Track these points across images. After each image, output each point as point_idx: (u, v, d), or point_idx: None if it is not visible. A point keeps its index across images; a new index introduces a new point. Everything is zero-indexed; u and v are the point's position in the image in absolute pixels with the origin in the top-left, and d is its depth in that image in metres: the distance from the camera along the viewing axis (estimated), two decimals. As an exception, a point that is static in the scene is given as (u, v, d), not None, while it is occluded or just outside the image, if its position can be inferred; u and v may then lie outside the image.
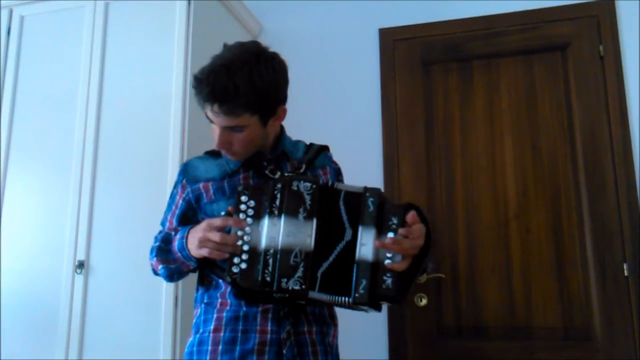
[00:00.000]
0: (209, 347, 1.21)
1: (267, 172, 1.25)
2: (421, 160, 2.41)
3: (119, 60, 2.22)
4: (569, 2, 2.37)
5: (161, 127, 2.08)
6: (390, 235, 1.13)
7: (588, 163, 2.24)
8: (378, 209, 1.16)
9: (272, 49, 1.27)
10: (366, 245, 1.14)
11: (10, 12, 2.41)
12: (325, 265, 1.14)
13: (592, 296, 2.16)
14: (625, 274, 2.13)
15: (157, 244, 1.31)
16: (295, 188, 1.16)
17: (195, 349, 1.24)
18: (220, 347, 1.20)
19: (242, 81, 1.14)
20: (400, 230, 1.13)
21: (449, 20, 2.49)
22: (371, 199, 1.16)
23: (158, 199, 2.02)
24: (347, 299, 1.13)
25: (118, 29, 2.25)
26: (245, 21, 2.60)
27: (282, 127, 1.38)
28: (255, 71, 1.16)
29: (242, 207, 1.16)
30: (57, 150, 2.21)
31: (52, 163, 2.21)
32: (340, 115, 2.54)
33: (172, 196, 1.37)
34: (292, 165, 1.31)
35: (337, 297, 1.14)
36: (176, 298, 1.94)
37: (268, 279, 1.11)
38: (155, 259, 1.31)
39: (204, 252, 1.16)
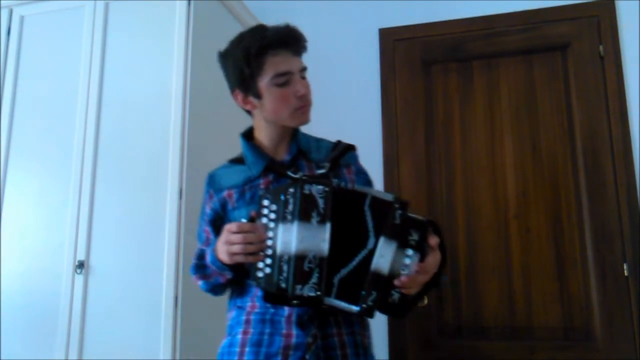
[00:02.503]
0: (237, 349, 1.23)
1: (289, 172, 1.23)
2: (421, 160, 2.41)
3: (119, 60, 2.22)
4: (569, 2, 2.37)
5: (161, 127, 2.08)
6: (409, 251, 1.12)
7: (588, 163, 2.24)
8: (403, 222, 1.13)
9: None
10: (384, 257, 1.11)
11: (10, 12, 2.41)
12: (343, 272, 1.12)
13: (592, 296, 2.16)
14: (625, 274, 2.14)
15: (194, 261, 1.33)
16: (308, 192, 1.13)
17: (226, 350, 1.26)
18: (247, 349, 1.21)
19: None
20: (415, 267, 1.11)
21: (449, 20, 2.49)
22: (399, 212, 1.13)
23: (158, 198, 2.02)
24: (353, 307, 1.11)
25: (118, 29, 2.25)
26: (245, 21, 2.60)
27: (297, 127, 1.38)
28: None
29: (264, 211, 1.14)
30: (57, 150, 2.21)
31: (52, 163, 2.21)
32: (340, 115, 2.54)
33: (203, 207, 1.39)
34: (309, 166, 1.30)
35: (346, 305, 1.12)
36: (176, 298, 1.94)
37: (283, 285, 1.10)
38: (194, 275, 1.33)
39: (235, 258, 1.16)
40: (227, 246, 1.15)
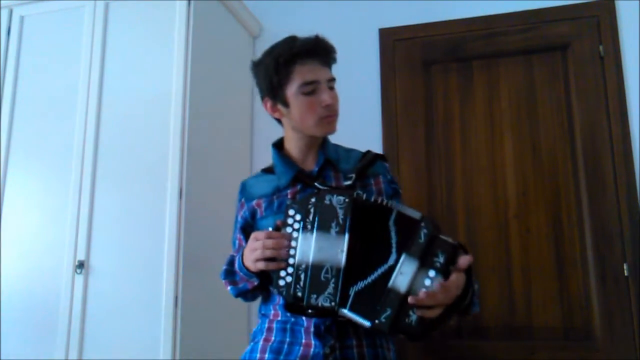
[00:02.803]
0: (258, 355, 1.25)
1: (317, 184, 1.24)
2: (421, 160, 2.41)
3: (119, 60, 2.22)
4: (569, 2, 2.37)
5: (161, 127, 2.08)
6: (432, 273, 1.07)
7: (588, 163, 2.24)
8: (428, 241, 1.09)
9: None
10: (404, 275, 1.09)
11: (10, 12, 2.41)
12: (360, 284, 1.11)
13: (592, 296, 2.16)
14: (625, 274, 2.13)
15: (225, 266, 1.35)
16: (328, 202, 1.14)
17: (247, 355, 1.28)
18: (266, 356, 1.23)
19: None
20: (436, 285, 1.07)
21: (449, 20, 2.49)
22: (425, 230, 1.10)
23: (158, 198, 2.02)
24: (366, 321, 1.10)
25: (118, 29, 2.25)
26: (245, 21, 2.60)
27: (325, 137, 1.38)
28: None
29: (289, 220, 1.16)
30: (57, 150, 2.21)
31: (52, 163, 2.21)
32: (340, 115, 2.53)
33: (235, 216, 1.41)
34: (337, 176, 1.31)
35: (359, 318, 1.11)
36: (176, 298, 1.94)
37: (300, 293, 1.11)
38: (224, 281, 1.35)
39: (257, 265, 1.16)
40: (251, 253, 1.17)
